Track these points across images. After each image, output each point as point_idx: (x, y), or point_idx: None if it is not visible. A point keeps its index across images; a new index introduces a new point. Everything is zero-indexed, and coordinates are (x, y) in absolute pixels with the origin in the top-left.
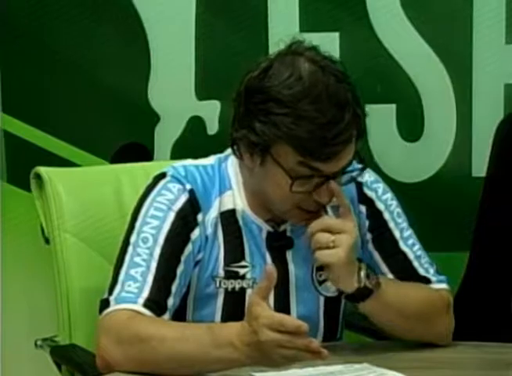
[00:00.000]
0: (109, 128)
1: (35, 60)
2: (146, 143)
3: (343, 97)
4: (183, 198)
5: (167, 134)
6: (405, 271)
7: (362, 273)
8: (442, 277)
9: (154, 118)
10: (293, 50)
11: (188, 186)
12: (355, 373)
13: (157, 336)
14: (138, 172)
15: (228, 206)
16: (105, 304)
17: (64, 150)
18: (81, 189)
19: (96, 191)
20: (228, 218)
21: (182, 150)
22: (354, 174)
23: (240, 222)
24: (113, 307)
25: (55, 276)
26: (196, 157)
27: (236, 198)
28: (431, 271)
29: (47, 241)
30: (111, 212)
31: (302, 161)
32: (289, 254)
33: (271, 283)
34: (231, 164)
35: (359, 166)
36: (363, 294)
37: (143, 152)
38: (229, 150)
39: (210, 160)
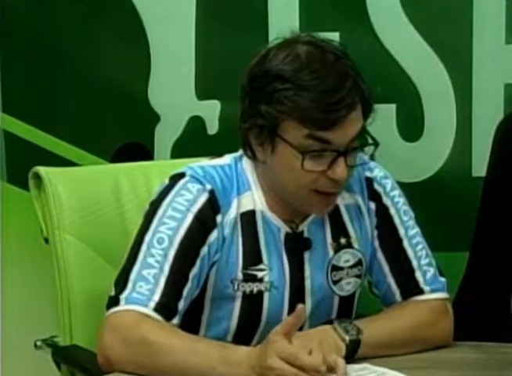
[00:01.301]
0: (109, 128)
1: (35, 60)
2: (146, 143)
3: (342, 68)
4: (203, 199)
5: (167, 134)
6: (403, 276)
7: (340, 331)
8: (438, 284)
9: (154, 118)
10: (290, 38)
11: (208, 187)
12: (355, 373)
13: (166, 343)
14: (136, 172)
15: (247, 207)
16: (114, 301)
17: (64, 149)
18: (80, 188)
19: (95, 191)
20: (248, 219)
21: (182, 149)
22: (365, 159)
23: (259, 223)
24: (122, 307)
25: (56, 276)
26: (196, 156)
27: (255, 199)
28: (428, 275)
29: (47, 241)
30: (110, 212)
31: (309, 134)
32: (306, 255)
33: (298, 322)
34: (247, 164)
35: (368, 159)
36: (354, 347)
37: (143, 152)
38: None
39: (226, 159)
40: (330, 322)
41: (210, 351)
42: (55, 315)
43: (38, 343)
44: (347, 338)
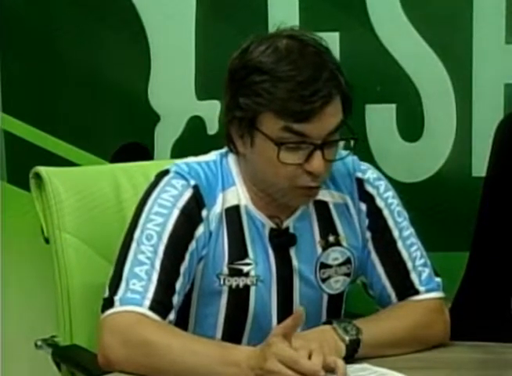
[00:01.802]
0: (109, 128)
1: (35, 60)
2: (146, 143)
3: (320, 60)
4: (187, 194)
5: (167, 134)
6: (399, 277)
7: (340, 331)
8: (433, 284)
9: (154, 118)
10: (272, 32)
11: (192, 182)
12: (355, 373)
13: (165, 344)
14: (136, 172)
15: (232, 202)
16: (109, 303)
17: (64, 149)
18: (81, 188)
19: (96, 190)
20: (232, 214)
21: (182, 149)
22: (345, 154)
23: (244, 218)
24: (118, 308)
25: (56, 276)
26: (196, 156)
27: (239, 194)
28: (424, 276)
29: (47, 241)
30: (110, 212)
31: (285, 126)
32: (292, 252)
33: (297, 324)
34: (232, 160)
35: (349, 153)
36: (354, 348)
37: (143, 152)
38: None
39: (212, 156)
40: (328, 322)
41: (209, 351)
42: (56, 315)
43: (39, 343)
44: (347, 338)
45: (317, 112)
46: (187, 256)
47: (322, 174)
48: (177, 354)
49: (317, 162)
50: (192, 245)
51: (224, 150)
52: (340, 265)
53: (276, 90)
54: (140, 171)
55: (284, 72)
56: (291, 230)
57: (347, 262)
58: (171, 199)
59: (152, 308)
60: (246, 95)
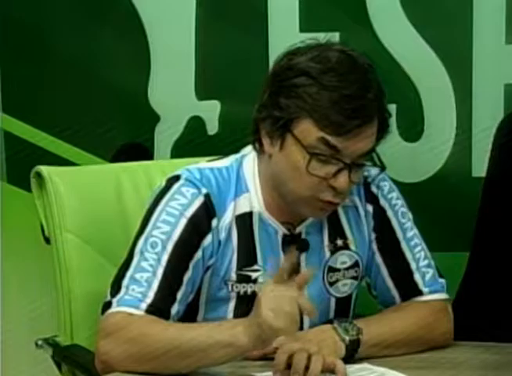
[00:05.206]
0: (109, 128)
1: (35, 60)
2: (146, 143)
3: (367, 80)
4: (197, 203)
5: (167, 134)
6: (402, 278)
7: (341, 331)
8: (437, 285)
9: (154, 118)
10: (322, 42)
11: (204, 190)
12: (355, 373)
13: (160, 328)
14: (138, 171)
15: (244, 209)
16: (107, 306)
17: (64, 150)
18: (82, 188)
19: (97, 190)
20: (244, 221)
21: (182, 149)
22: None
23: (255, 225)
24: (114, 309)
25: (57, 275)
26: (196, 156)
27: (252, 200)
28: (427, 277)
29: (47, 241)
30: (111, 211)
31: (321, 137)
32: (303, 256)
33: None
34: (247, 165)
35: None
36: (353, 348)
37: (143, 152)
38: (246, 150)
39: (226, 162)
40: (330, 321)
41: (207, 325)
42: (56, 314)
43: (39, 342)
44: (347, 338)
45: (355, 129)
46: (191, 266)
47: (344, 192)
48: (174, 333)
49: (343, 180)
50: (198, 255)
51: (239, 155)
52: (348, 268)
53: (320, 97)
54: (142, 171)
55: (331, 82)
56: (303, 236)
57: (355, 265)
58: (179, 207)
59: (148, 311)
60: (288, 96)
